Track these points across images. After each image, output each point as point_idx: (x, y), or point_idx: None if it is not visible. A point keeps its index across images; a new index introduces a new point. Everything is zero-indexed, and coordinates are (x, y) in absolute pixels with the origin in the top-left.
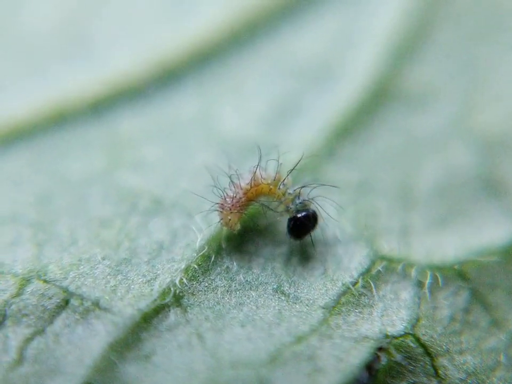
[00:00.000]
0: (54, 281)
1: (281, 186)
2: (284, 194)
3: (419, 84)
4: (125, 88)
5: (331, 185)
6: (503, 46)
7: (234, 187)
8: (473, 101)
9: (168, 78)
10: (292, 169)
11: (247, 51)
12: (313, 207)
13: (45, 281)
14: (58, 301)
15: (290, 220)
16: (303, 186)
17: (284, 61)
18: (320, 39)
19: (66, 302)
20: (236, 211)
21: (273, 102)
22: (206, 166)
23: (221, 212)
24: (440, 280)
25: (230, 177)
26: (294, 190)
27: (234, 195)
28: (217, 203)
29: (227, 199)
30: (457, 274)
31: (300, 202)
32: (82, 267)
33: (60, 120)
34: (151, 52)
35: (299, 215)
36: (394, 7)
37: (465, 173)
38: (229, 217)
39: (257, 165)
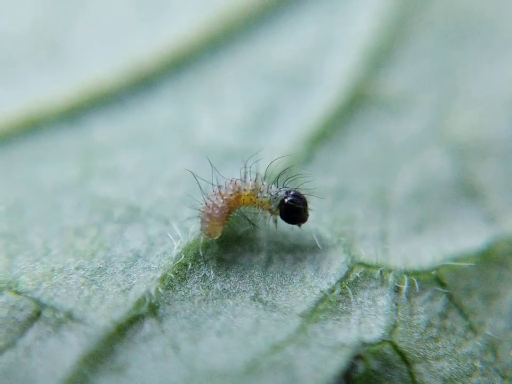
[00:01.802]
0: (26, 292)
1: (261, 194)
2: (264, 200)
3: (395, 89)
4: (100, 95)
5: (309, 194)
6: (477, 52)
7: (217, 196)
8: (448, 106)
9: (143, 84)
10: (271, 176)
11: (223, 57)
12: (291, 190)
13: (16, 292)
14: (29, 312)
15: (280, 208)
16: (280, 189)
17: (261, 66)
18: (297, 44)
19: (38, 313)
20: (221, 221)
21: (250, 108)
22: (187, 173)
23: (206, 221)
24: (417, 285)
25: (214, 186)
26: (271, 191)
27: (220, 205)
28: (203, 211)
29: (214, 209)
30: (433, 279)
31: (278, 192)
32: (55, 277)
33: (32, 128)
34: (126, 58)
35: (286, 200)
36: (371, 13)
37: (441, 178)
38: (215, 228)
39: (244, 175)
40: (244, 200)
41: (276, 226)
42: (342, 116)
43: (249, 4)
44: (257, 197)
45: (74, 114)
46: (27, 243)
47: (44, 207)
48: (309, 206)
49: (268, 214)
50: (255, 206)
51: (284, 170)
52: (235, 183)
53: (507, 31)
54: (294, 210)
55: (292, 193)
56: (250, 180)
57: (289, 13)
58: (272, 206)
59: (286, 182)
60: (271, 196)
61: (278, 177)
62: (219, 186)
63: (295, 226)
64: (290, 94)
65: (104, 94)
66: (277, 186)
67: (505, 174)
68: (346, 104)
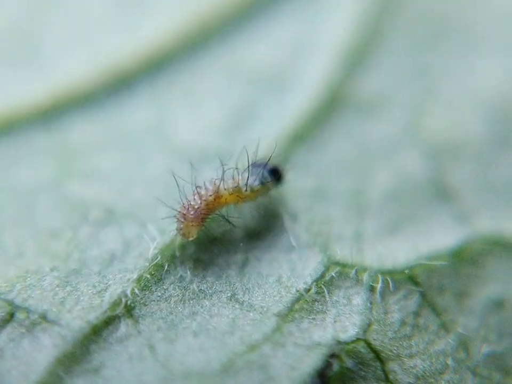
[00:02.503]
0: None
1: (244, 188)
2: (261, 188)
3: (371, 91)
4: (76, 95)
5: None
6: (452, 54)
7: (196, 197)
8: (423, 107)
9: (120, 85)
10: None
11: (201, 57)
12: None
13: None
14: (3, 314)
15: (275, 177)
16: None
17: (239, 67)
18: (275, 46)
19: (12, 315)
20: (197, 222)
21: (227, 109)
22: (164, 174)
23: (181, 221)
24: (391, 284)
25: (193, 186)
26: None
27: (197, 205)
28: (179, 212)
29: (189, 209)
30: (407, 278)
31: (255, 173)
32: (29, 279)
33: (7, 129)
34: (102, 58)
35: (270, 167)
36: (347, 15)
37: (416, 179)
38: (189, 228)
39: (223, 174)
40: (226, 199)
41: (275, 201)
42: (319, 117)
43: (227, 5)
44: (245, 191)
45: (50, 114)
46: (1, 245)
47: (18, 208)
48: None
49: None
50: (242, 202)
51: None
52: (214, 183)
53: (481, 34)
54: (279, 169)
55: (260, 162)
56: (229, 179)
57: (267, 15)
58: (267, 183)
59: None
60: (261, 179)
61: (248, 166)
62: (198, 187)
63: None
64: (268, 95)
65: (80, 94)
66: (251, 171)
67: (478, 174)
68: (323, 106)
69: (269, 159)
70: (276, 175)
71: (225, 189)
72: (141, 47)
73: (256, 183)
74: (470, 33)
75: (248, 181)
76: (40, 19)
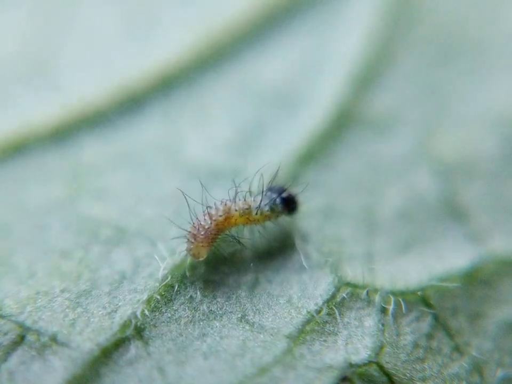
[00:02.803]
0: (10, 316)
1: (254, 210)
2: (270, 214)
3: (382, 110)
4: (88, 115)
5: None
6: (463, 72)
7: (206, 217)
8: (435, 126)
9: (132, 104)
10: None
11: (212, 77)
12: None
13: (0, 316)
14: (13, 336)
15: (286, 206)
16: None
17: (250, 86)
18: (285, 64)
19: (22, 337)
20: (207, 242)
21: (238, 128)
22: (175, 193)
23: (191, 242)
24: (403, 306)
25: (203, 206)
26: (262, 200)
27: (207, 226)
28: (189, 232)
29: (200, 230)
30: (420, 299)
31: (268, 197)
32: (40, 300)
33: (20, 149)
34: (114, 78)
35: (285, 195)
36: (359, 33)
37: (428, 198)
38: (199, 249)
39: (234, 196)
40: (236, 220)
41: (284, 224)
42: (330, 135)
43: (238, 24)
44: (255, 214)
45: (62, 134)
46: (12, 266)
47: (30, 228)
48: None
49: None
50: (251, 224)
51: (271, 182)
52: (225, 204)
53: (493, 52)
54: (294, 198)
55: (277, 188)
56: (239, 199)
57: (278, 33)
58: (278, 209)
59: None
60: (271, 205)
61: (262, 190)
62: (208, 207)
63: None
64: (278, 113)
65: (92, 114)
66: (265, 195)
67: (491, 193)
68: (334, 124)
69: (286, 186)
70: (289, 205)
71: (236, 210)
72: (153, 66)
73: (267, 208)
74: (481, 51)
75: (259, 205)
76: (53, 39)
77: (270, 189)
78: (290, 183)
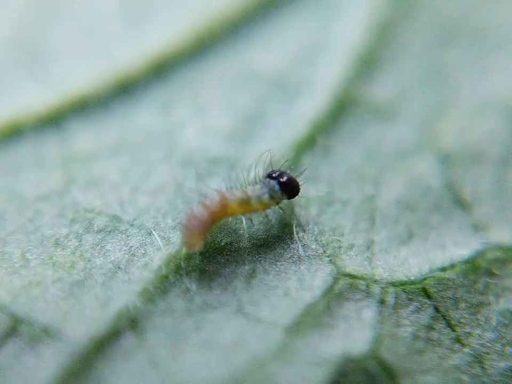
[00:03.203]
0: (2, 307)
1: (254, 199)
2: (270, 201)
3: (383, 96)
4: (83, 102)
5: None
6: (466, 58)
7: (201, 207)
8: (437, 113)
9: (127, 91)
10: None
11: (209, 63)
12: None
13: None
14: (5, 328)
15: (285, 190)
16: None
17: (248, 73)
18: (285, 50)
19: (14, 329)
20: (202, 233)
21: (236, 115)
22: (171, 182)
23: (186, 232)
24: (403, 297)
25: (197, 195)
26: (259, 190)
27: (202, 217)
28: (184, 223)
29: (195, 221)
30: (420, 290)
31: (267, 183)
32: (32, 291)
33: (13, 135)
34: (110, 65)
35: (282, 179)
36: (359, 19)
37: (430, 187)
38: (194, 239)
39: (232, 185)
40: (234, 210)
41: (284, 212)
42: (330, 123)
43: (235, 10)
44: (255, 204)
45: (56, 121)
46: (5, 254)
47: (24, 216)
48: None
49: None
50: (252, 213)
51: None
52: (222, 194)
53: (495, 37)
54: (293, 182)
55: (275, 174)
56: (237, 189)
57: (276, 19)
58: (277, 194)
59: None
60: (270, 192)
61: (256, 177)
62: (204, 197)
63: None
64: (277, 101)
65: (87, 100)
66: (263, 182)
67: (494, 181)
68: (334, 111)
69: (284, 171)
70: (288, 190)
71: (233, 200)
72: (149, 52)
73: (266, 196)
74: (484, 35)
75: (258, 193)
76: (48, 24)
77: (268, 176)
78: (289, 169)
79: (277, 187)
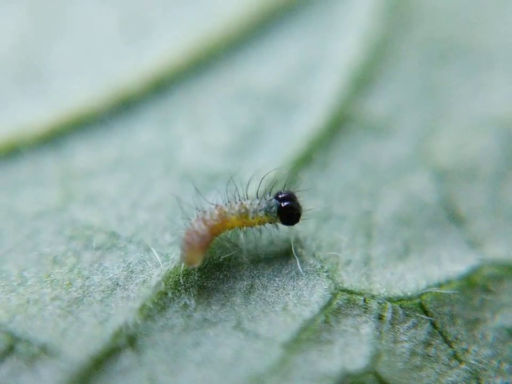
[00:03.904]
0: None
1: (252, 213)
2: (260, 215)
3: (379, 112)
4: (82, 118)
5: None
6: (460, 74)
7: (200, 222)
8: (432, 128)
9: (126, 108)
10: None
11: (207, 80)
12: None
13: None
14: (3, 347)
15: (283, 214)
16: (267, 198)
17: (245, 89)
18: (282, 67)
19: (12, 348)
20: (202, 249)
21: (234, 131)
22: (170, 197)
23: (185, 248)
24: (400, 312)
25: (197, 211)
26: (259, 203)
27: (201, 232)
28: (183, 238)
29: (194, 236)
30: (417, 306)
31: (269, 201)
32: (30, 309)
33: (12, 152)
34: (108, 81)
35: (283, 204)
36: (355, 36)
37: (426, 202)
38: (194, 255)
39: (230, 199)
40: (232, 224)
41: (278, 230)
42: (327, 138)
43: (234, 26)
44: (251, 218)
45: (55, 138)
46: (3, 272)
47: (22, 233)
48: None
49: (262, 227)
50: (248, 227)
51: (271, 188)
52: (220, 208)
53: (488, 55)
54: (292, 211)
55: (283, 195)
56: (236, 202)
57: (274, 37)
58: (272, 214)
59: (268, 193)
60: (266, 207)
61: (257, 193)
62: (202, 212)
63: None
64: (275, 117)
65: (86, 117)
66: (265, 198)
67: (489, 197)
68: (331, 127)
69: (294, 196)
70: (284, 215)
71: (232, 214)
72: (147, 69)
73: (262, 212)
74: (479, 53)
75: (255, 207)
76: (47, 41)
77: (276, 194)
78: (300, 194)
79: (274, 208)
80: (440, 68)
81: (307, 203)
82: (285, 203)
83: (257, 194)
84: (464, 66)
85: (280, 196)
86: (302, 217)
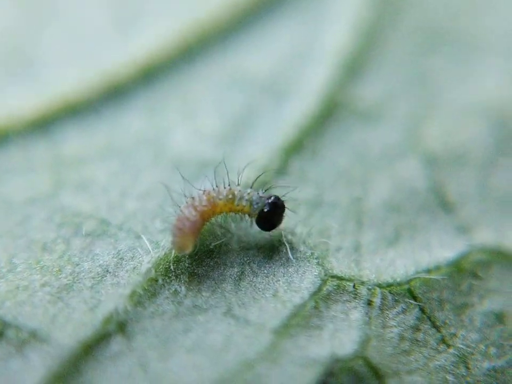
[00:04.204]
0: None
1: (238, 199)
2: (243, 205)
3: (370, 100)
4: (71, 105)
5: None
6: (450, 61)
7: (190, 208)
8: (423, 115)
9: (116, 94)
10: (245, 186)
11: (198, 67)
12: (270, 195)
13: None
14: None
15: (260, 216)
16: (261, 194)
17: (236, 76)
18: (273, 54)
19: (1, 333)
20: (192, 235)
21: (225, 118)
22: (160, 185)
23: (176, 235)
24: (389, 298)
25: (186, 197)
26: (248, 195)
27: (192, 218)
28: (174, 225)
29: (185, 222)
30: (406, 291)
31: (260, 197)
32: (20, 295)
33: (2, 139)
34: (98, 68)
35: (265, 210)
36: (346, 23)
37: (416, 189)
38: (184, 241)
39: (217, 184)
40: (220, 209)
41: (251, 226)
42: (318, 125)
43: (225, 13)
44: (236, 204)
45: (45, 125)
46: None
47: (11, 220)
48: (284, 213)
49: (247, 217)
50: (233, 213)
51: (258, 180)
52: (208, 193)
53: (481, 40)
54: (269, 219)
55: (272, 200)
56: (224, 188)
57: (265, 23)
58: (253, 209)
59: (263, 188)
60: (252, 200)
61: (253, 183)
62: (192, 198)
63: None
64: (266, 104)
65: (76, 104)
66: (257, 192)
67: (479, 183)
68: (322, 114)
69: (280, 203)
70: (260, 217)
71: (219, 199)
72: (137, 56)
73: (246, 203)
74: (469, 40)
75: (242, 195)
76: (36, 28)
77: (270, 197)
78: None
79: (259, 206)
80: (431, 54)
81: (298, 190)
82: (269, 209)
83: (252, 184)
84: (454, 53)
85: (270, 200)
86: (275, 227)
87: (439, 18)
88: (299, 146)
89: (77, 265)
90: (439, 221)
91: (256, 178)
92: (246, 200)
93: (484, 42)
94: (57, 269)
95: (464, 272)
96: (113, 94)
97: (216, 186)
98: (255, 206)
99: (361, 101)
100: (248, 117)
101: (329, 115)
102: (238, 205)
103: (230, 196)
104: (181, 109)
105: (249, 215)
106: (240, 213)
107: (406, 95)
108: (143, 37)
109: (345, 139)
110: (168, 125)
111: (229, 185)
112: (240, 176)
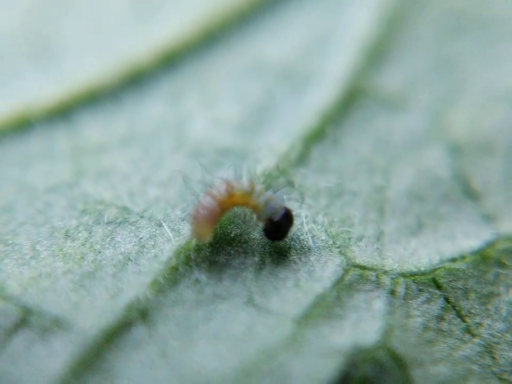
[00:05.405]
0: (12, 298)
1: (255, 195)
2: (258, 203)
3: (393, 86)
4: (92, 93)
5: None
6: (476, 47)
7: (208, 197)
8: (447, 102)
9: (136, 83)
10: (266, 176)
11: (218, 54)
12: (284, 206)
13: (2, 298)
14: (15, 319)
15: (266, 224)
16: (275, 191)
17: (257, 63)
18: (294, 41)
19: (24, 320)
20: (211, 224)
21: (245, 106)
22: (179, 173)
23: (196, 223)
24: (413, 287)
25: (204, 186)
26: (266, 197)
27: (210, 206)
28: (192, 213)
29: (203, 211)
30: (430, 281)
31: (271, 207)
32: (42, 282)
33: (23, 127)
34: (119, 56)
35: (275, 219)
36: (369, 8)
37: (440, 177)
38: (204, 230)
39: (234, 174)
40: (237, 200)
41: (254, 229)
42: (339, 113)
43: (244, 1)
44: (252, 199)
45: (66, 113)
46: (16, 246)
47: (34, 208)
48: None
49: (254, 215)
50: (247, 207)
51: (279, 170)
52: (228, 183)
53: (504, 27)
54: (276, 231)
55: (282, 213)
56: (247, 180)
57: (285, 9)
58: (262, 213)
59: (281, 187)
60: (265, 202)
61: (270, 181)
62: (210, 187)
63: None
64: (287, 91)
65: (96, 92)
66: (273, 192)
67: (504, 171)
68: (344, 101)
69: (290, 215)
70: (268, 227)
71: (238, 190)
72: (158, 44)
73: (262, 202)
74: (496, 25)
75: (261, 193)
76: (57, 16)
77: (285, 209)
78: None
79: (271, 212)
80: (456, 40)
81: (319, 178)
82: (279, 221)
83: (274, 188)
84: (480, 39)
85: (284, 212)
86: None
87: (463, 3)
88: (320, 134)
89: (99, 252)
90: (464, 209)
91: (276, 167)
92: (263, 200)
93: (509, 29)
94: (79, 256)
95: (490, 261)
96: (134, 81)
97: (239, 178)
98: (268, 211)
99: (384, 88)
100: (268, 104)
101: (351, 102)
102: (253, 201)
103: (249, 189)
104: (201, 96)
105: (258, 216)
106: (251, 209)
107: (431, 82)
108: (163, 24)
109: (367, 127)
110: (188, 112)
111: (251, 178)
112: (259, 165)
